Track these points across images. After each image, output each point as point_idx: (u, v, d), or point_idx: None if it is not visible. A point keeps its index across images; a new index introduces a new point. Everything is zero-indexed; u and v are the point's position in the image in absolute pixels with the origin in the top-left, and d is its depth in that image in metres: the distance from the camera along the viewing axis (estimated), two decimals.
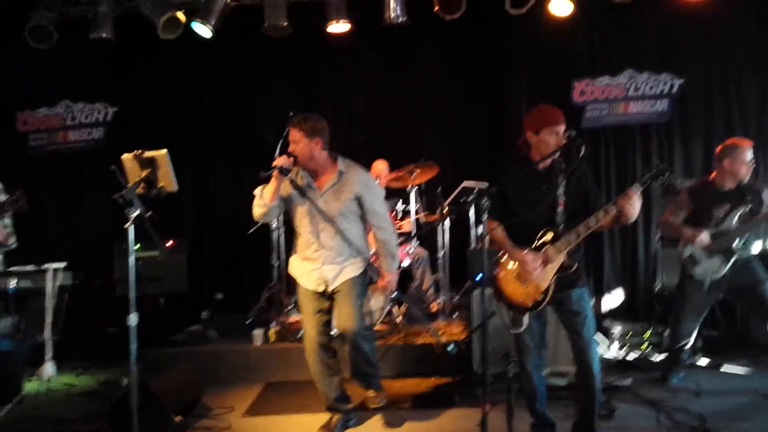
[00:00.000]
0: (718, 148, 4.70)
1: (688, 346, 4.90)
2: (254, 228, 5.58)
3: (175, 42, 6.16)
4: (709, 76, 6.76)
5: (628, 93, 6.68)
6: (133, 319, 3.24)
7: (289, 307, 5.90)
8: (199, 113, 7.24)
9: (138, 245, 5.63)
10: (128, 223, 3.17)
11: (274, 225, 5.93)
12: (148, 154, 3.90)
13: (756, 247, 4.59)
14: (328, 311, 4.08)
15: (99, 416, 4.27)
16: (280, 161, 3.79)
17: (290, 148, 3.86)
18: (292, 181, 3.90)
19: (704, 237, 4.54)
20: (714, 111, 6.76)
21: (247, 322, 5.86)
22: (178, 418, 4.09)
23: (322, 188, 3.95)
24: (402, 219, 6.36)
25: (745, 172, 4.57)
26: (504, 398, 3.33)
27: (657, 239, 6.25)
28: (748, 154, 4.56)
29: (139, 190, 3.57)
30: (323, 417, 4.16)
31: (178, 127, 7.17)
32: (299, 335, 4.91)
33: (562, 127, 3.46)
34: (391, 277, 4.14)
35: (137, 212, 3.19)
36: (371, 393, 4.37)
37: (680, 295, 4.84)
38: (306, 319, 4.08)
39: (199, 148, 7.31)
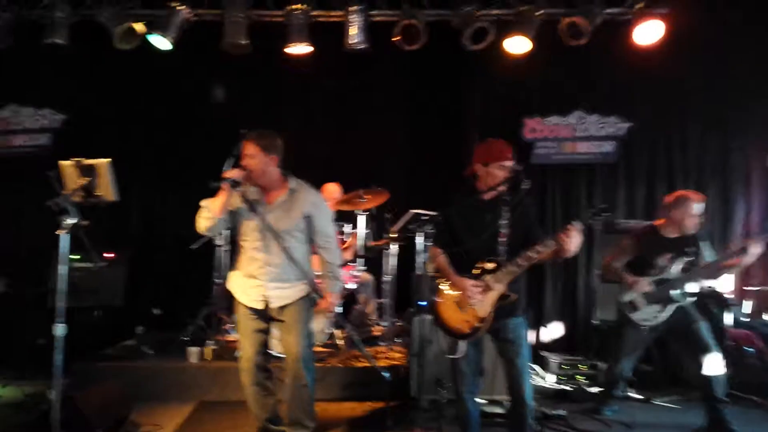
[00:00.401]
0: (670, 198, 4.83)
1: (622, 377, 5.03)
2: (198, 243, 5.49)
3: (131, 53, 6.09)
4: (655, 121, 7.00)
5: (577, 133, 6.85)
6: (59, 329, 3.15)
7: (229, 326, 5.80)
8: (151, 126, 7.13)
9: (78, 256, 5.58)
10: (61, 231, 3.09)
11: (218, 241, 5.84)
12: (88, 162, 3.82)
13: (693, 288, 4.72)
14: (267, 331, 4.03)
15: (22, 430, 4.11)
16: (231, 173, 3.77)
17: (244, 162, 3.83)
18: (242, 195, 3.85)
19: (645, 285, 4.68)
20: (658, 155, 7.00)
21: (184, 339, 5.73)
22: None
23: (271, 204, 3.92)
24: (349, 243, 6.37)
25: (693, 226, 4.70)
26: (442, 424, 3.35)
27: (596, 275, 6.39)
28: (699, 208, 4.69)
29: (77, 198, 3.48)
30: None
31: (128, 139, 7.05)
32: (235, 354, 4.83)
33: (510, 162, 3.56)
34: (333, 299, 4.10)
35: (73, 221, 3.10)
36: None
37: (618, 336, 4.97)
38: (244, 338, 4.01)
39: (149, 161, 7.18)
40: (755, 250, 4.37)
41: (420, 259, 5.85)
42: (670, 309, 4.67)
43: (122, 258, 6.46)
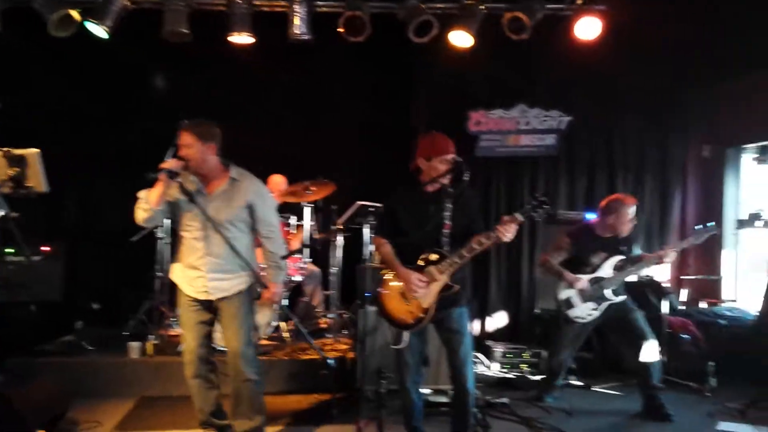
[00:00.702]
0: (604, 202, 5.02)
1: (563, 368, 5.18)
2: (138, 236, 5.38)
3: (68, 41, 5.89)
4: (595, 116, 7.18)
5: (520, 126, 6.96)
6: None
7: (171, 320, 5.71)
8: (88, 117, 6.92)
9: (12, 249, 5.39)
10: None
11: (159, 234, 5.72)
12: (17, 152, 3.68)
13: (630, 278, 4.96)
14: (210, 323, 3.95)
15: None
16: (168, 164, 3.69)
17: (181, 152, 3.75)
18: (180, 185, 3.76)
19: (583, 282, 4.85)
20: (598, 149, 7.20)
21: (125, 334, 5.61)
22: None
23: (212, 194, 3.84)
24: (295, 234, 6.33)
25: (627, 229, 4.89)
26: (387, 414, 3.37)
27: (538, 266, 6.54)
28: (632, 211, 4.88)
29: (6, 190, 3.35)
30: None
31: (64, 129, 6.82)
32: (178, 348, 4.74)
33: (451, 156, 3.61)
34: (277, 289, 4.05)
35: (1, 213, 2.99)
36: None
37: (558, 329, 5.14)
38: (186, 330, 3.93)
39: (86, 153, 6.97)
40: (668, 259, 4.71)
41: (366, 250, 5.87)
42: (603, 306, 4.86)
43: (58, 251, 6.25)
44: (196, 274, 3.83)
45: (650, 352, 4.79)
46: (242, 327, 3.87)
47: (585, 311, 4.89)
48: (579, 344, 5.21)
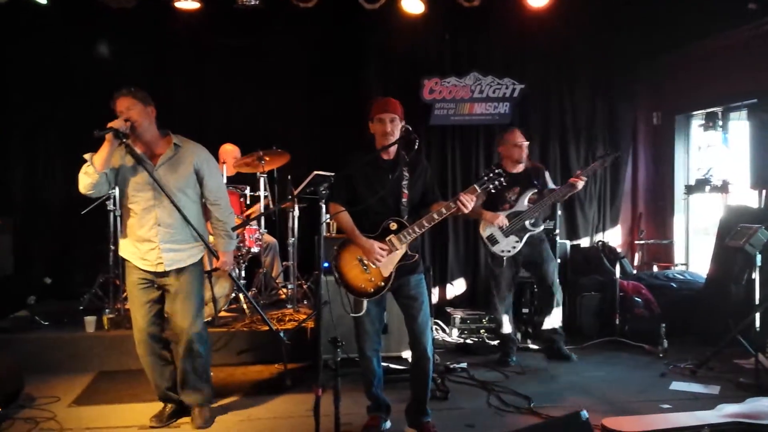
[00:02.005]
0: (505, 135, 5.32)
1: (508, 319, 5.37)
2: (89, 208, 5.26)
3: (7, 11, 5.65)
4: (546, 83, 7.25)
5: (474, 94, 6.96)
6: None
7: (126, 293, 5.61)
8: (29, 89, 6.69)
9: None
10: None
11: (110, 206, 5.58)
12: None
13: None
14: (160, 301, 3.88)
15: None
16: (116, 123, 3.58)
17: (125, 115, 3.62)
18: (127, 146, 3.65)
19: (502, 219, 5.12)
20: (550, 115, 7.27)
21: (80, 308, 5.52)
22: None
23: (156, 163, 3.75)
24: (250, 206, 6.28)
25: (519, 154, 5.21)
26: (346, 383, 3.39)
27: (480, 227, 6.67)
28: (517, 137, 5.20)
29: None
30: (156, 406, 4.02)
31: (11, 105, 6.64)
32: None
33: (390, 116, 3.60)
34: (227, 258, 4.01)
35: None
36: (195, 411, 3.94)
37: (490, 275, 5.42)
38: (135, 309, 3.86)
39: (33, 128, 6.75)
40: (580, 185, 5.09)
41: (323, 220, 5.85)
42: (525, 237, 5.16)
43: (7, 225, 6.10)
44: (149, 246, 3.76)
45: (554, 318, 5.34)
46: (193, 302, 3.84)
47: (509, 245, 5.16)
48: (512, 289, 5.41)
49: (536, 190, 5.17)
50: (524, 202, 5.15)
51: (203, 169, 3.86)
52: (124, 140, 3.61)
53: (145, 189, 3.73)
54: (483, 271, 7.07)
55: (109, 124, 3.58)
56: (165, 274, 3.78)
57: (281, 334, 4.30)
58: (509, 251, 5.16)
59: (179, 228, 3.76)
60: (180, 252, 3.80)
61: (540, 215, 5.26)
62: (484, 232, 5.21)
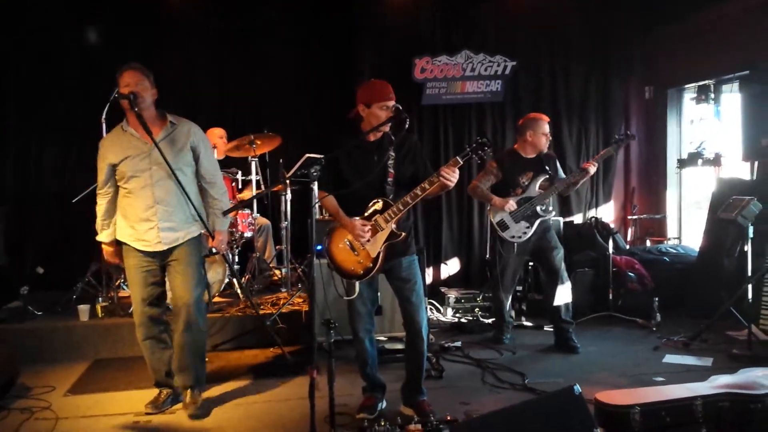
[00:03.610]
0: (521, 121, 5.19)
1: (508, 304, 5.33)
2: (80, 196, 5.22)
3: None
4: (538, 59, 7.22)
5: (465, 73, 6.92)
6: None
7: (119, 281, 5.61)
8: (20, 77, 6.64)
9: None
10: None
11: None
12: None
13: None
14: (161, 283, 3.88)
15: None
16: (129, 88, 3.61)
17: (131, 88, 3.61)
18: (139, 116, 3.62)
19: (512, 204, 5.02)
20: (542, 92, 7.26)
21: (74, 297, 5.51)
22: None
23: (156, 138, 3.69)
24: (242, 189, 6.25)
25: (544, 143, 5.10)
26: (342, 364, 3.40)
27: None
28: (546, 127, 5.09)
29: None
30: (151, 393, 4.02)
31: (2, 91, 6.59)
32: (130, 310, 4.65)
33: (391, 102, 3.55)
34: (223, 236, 3.99)
35: None
36: (188, 395, 3.88)
37: (496, 258, 5.25)
38: (136, 292, 3.84)
39: (25, 117, 6.70)
40: (592, 169, 4.98)
41: (315, 202, 5.83)
42: (536, 223, 5.05)
43: None
44: (147, 226, 3.74)
45: (563, 294, 5.10)
46: (194, 276, 3.82)
47: (519, 230, 5.07)
48: (518, 275, 5.36)
49: (547, 176, 5.07)
50: (535, 188, 5.05)
51: (199, 147, 3.86)
52: (135, 109, 3.60)
53: (143, 167, 3.71)
54: (477, 251, 7.08)
55: (124, 90, 3.61)
56: (164, 252, 3.77)
57: (267, 323, 4.29)
58: (520, 237, 5.05)
59: (177, 206, 3.76)
60: (178, 231, 3.78)
61: (550, 202, 5.14)
62: (494, 218, 5.10)
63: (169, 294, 3.99)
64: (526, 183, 5.07)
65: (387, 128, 3.59)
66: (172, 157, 3.70)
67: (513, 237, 5.08)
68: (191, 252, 3.83)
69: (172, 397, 3.97)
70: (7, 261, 6.14)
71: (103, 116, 4.70)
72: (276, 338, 4.74)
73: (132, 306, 3.98)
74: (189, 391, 3.89)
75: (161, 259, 3.81)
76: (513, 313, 5.67)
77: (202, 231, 3.90)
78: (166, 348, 3.96)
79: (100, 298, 5.35)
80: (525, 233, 5.05)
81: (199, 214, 3.82)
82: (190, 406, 3.85)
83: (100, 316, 5.22)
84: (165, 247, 3.75)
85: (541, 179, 5.07)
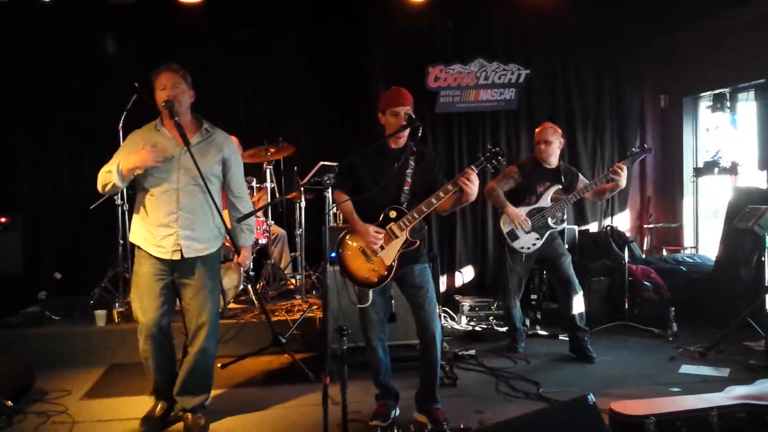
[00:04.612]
0: (537, 130, 5.18)
1: (517, 311, 5.32)
2: (97, 203, 5.28)
3: (15, 7, 5.67)
4: (552, 67, 7.22)
5: (479, 81, 6.93)
6: None
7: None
8: (41, 85, 6.70)
9: None
10: None
11: (118, 201, 5.60)
12: None
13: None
14: (173, 292, 3.68)
15: None
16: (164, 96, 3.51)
17: (167, 93, 3.52)
18: (178, 126, 3.49)
19: (524, 221, 4.99)
20: (556, 99, 7.25)
21: (91, 303, 5.56)
22: (8, 403, 3.83)
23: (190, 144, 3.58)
24: (258, 196, 6.29)
25: (542, 149, 5.05)
26: (355, 371, 3.41)
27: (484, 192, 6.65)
28: (544, 134, 5.07)
29: None
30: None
31: (18, 100, 6.67)
32: None
33: (403, 109, 3.55)
34: (247, 252, 3.95)
35: None
36: (189, 419, 3.69)
37: (503, 267, 5.22)
38: (147, 301, 3.59)
39: (40, 122, 6.78)
40: (623, 173, 4.74)
41: (329, 210, 5.86)
42: (546, 235, 5.03)
43: (16, 223, 6.16)
44: (166, 232, 3.55)
45: (578, 303, 5.06)
46: (210, 299, 3.66)
47: (529, 241, 5.05)
48: (524, 282, 5.32)
49: (560, 188, 5.04)
50: (548, 199, 5.03)
51: (231, 160, 3.76)
52: (176, 118, 3.50)
53: (171, 171, 3.57)
54: (491, 259, 7.07)
55: (162, 98, 3.52)
56: (181, 263, 3.58)
57: (283, 340, 4.27)
58: (529, 248, 5.04)
59: (201, 216, 3.61)
60: (199, 242, 3.62)
61: (562, 214, 5.10)
62: (505, 227, 5.07)
63: (186, 312, 3.74)
64: (542, 192, 5.05)
65: (405, 135, 3.60)
66: (202, 164, 3.54)
67: (522, 248, 5.05)
68: (209, 273, 3.68)
69: (167, 412, 3.81)
70: (25, 267, 6.21)
71: (120, 123, 4.74)
72: (293, 357, 4.72)
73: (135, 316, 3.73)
74: (190, 414, 3.71)
75: (174, 271, 3.62)
76: (528, 322, 5.66)
77: (221, 246, 3.79)
78: (171, 359, 3.81)
79: (116, 304, 5.40)
80: (534, 244, 5.04)
81: (225, 224, 3.70)
82: (192, 430, 3.67)
83: (116, 321, 5.27)
84: (185, 256, 3.56)
85: (553, 190, 5.04)
